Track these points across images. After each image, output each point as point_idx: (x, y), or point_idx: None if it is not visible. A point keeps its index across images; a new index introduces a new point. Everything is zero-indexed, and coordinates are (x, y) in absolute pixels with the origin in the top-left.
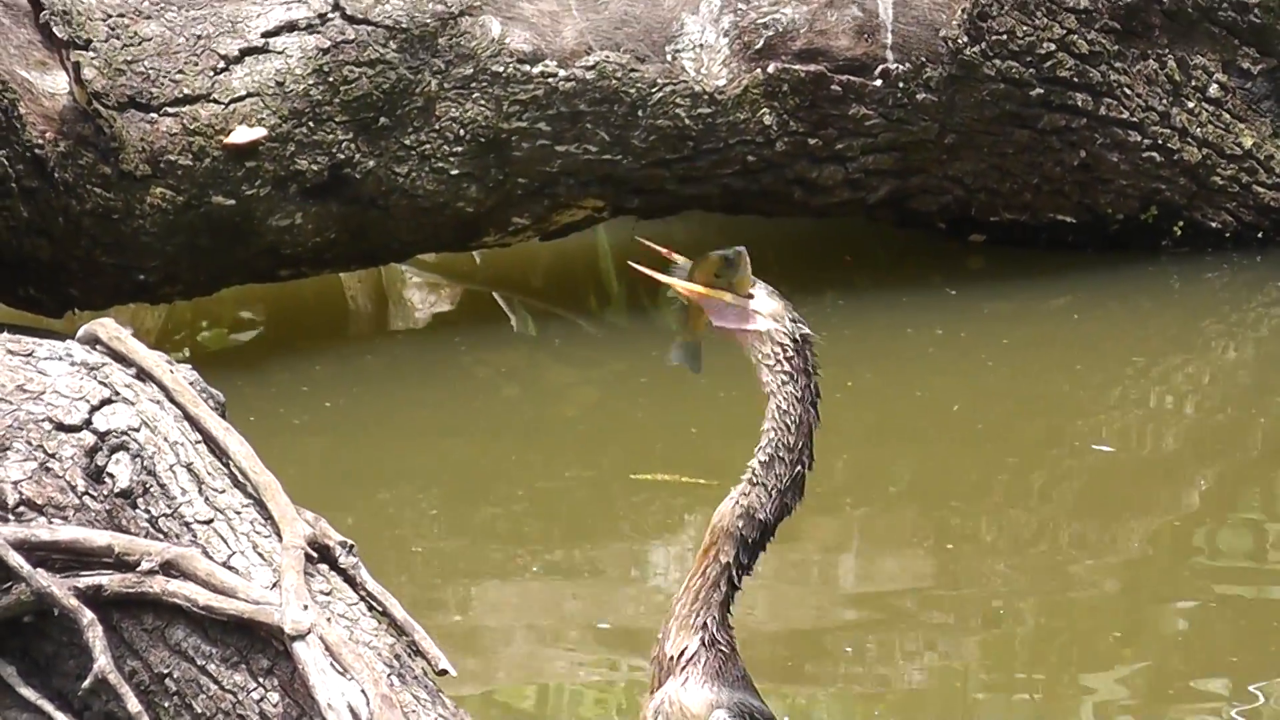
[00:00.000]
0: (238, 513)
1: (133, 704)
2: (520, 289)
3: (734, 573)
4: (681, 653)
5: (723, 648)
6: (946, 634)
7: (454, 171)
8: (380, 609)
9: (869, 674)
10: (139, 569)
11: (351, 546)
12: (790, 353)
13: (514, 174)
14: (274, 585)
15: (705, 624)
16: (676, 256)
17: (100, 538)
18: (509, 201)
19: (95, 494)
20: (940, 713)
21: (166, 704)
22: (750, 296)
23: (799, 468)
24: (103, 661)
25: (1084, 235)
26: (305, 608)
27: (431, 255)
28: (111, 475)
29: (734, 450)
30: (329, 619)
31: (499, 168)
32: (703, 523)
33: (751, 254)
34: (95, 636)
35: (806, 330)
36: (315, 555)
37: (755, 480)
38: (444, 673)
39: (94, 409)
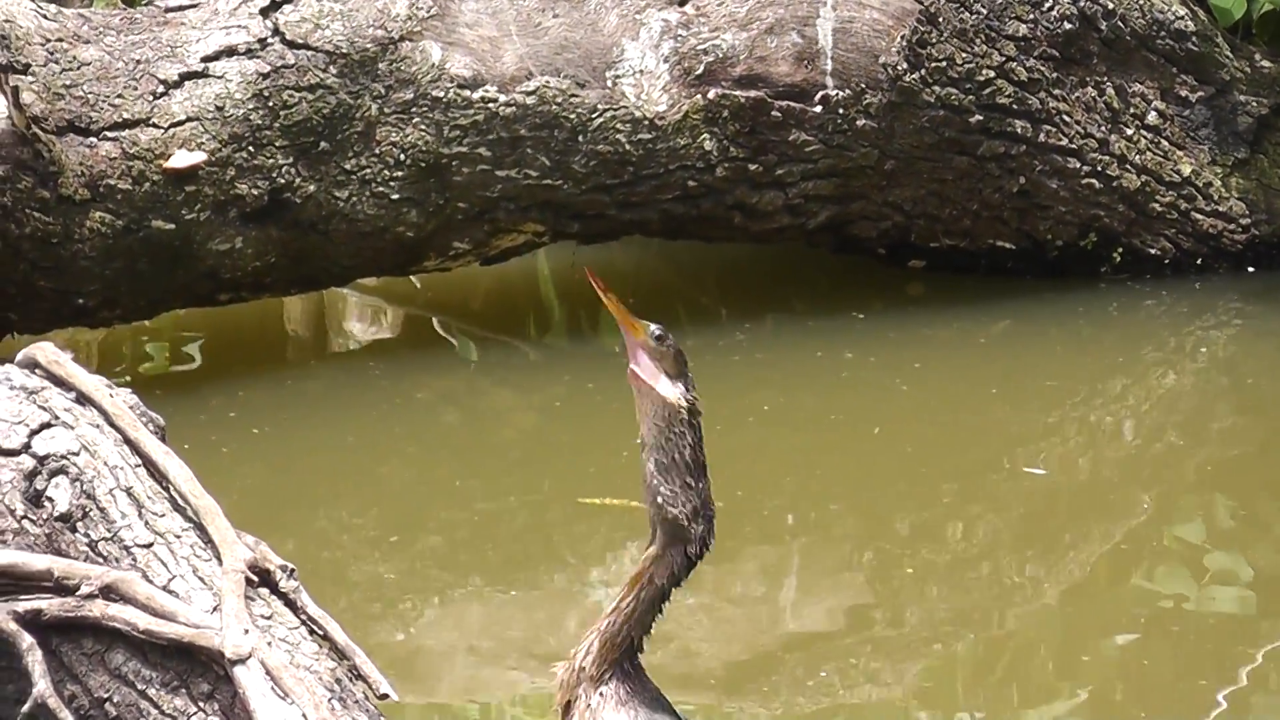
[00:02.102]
0: (178, 536)
1: None
2: (460, 314)
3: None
4: (597, 675)
5: (630, 670)
6: (887, 662)
7: (394, 196)
8: (321, 633)
9: (807, 702)
10: (78, 593)
11: (292, 570)
12: (681, 422)
13: (454, 199)
14: (214, 609)
15: (630, 645)
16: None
17: (39, 561)
18: (449, 226)
19: (34, 518)
20: None
21: None
22: (664, 349)
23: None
24: (42, 686)
25: (1023, 261)
26: (246, 632)
27: (372, 280)
28: (51, 499)
29: None
30: (270, 643)
31: (439, 192)
32: (644, 548)
33: (691, 279)
34: (35, 660)
35: (693, 399)
36: (256, 579)
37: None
38: (385, 697)
39: (33, 433)
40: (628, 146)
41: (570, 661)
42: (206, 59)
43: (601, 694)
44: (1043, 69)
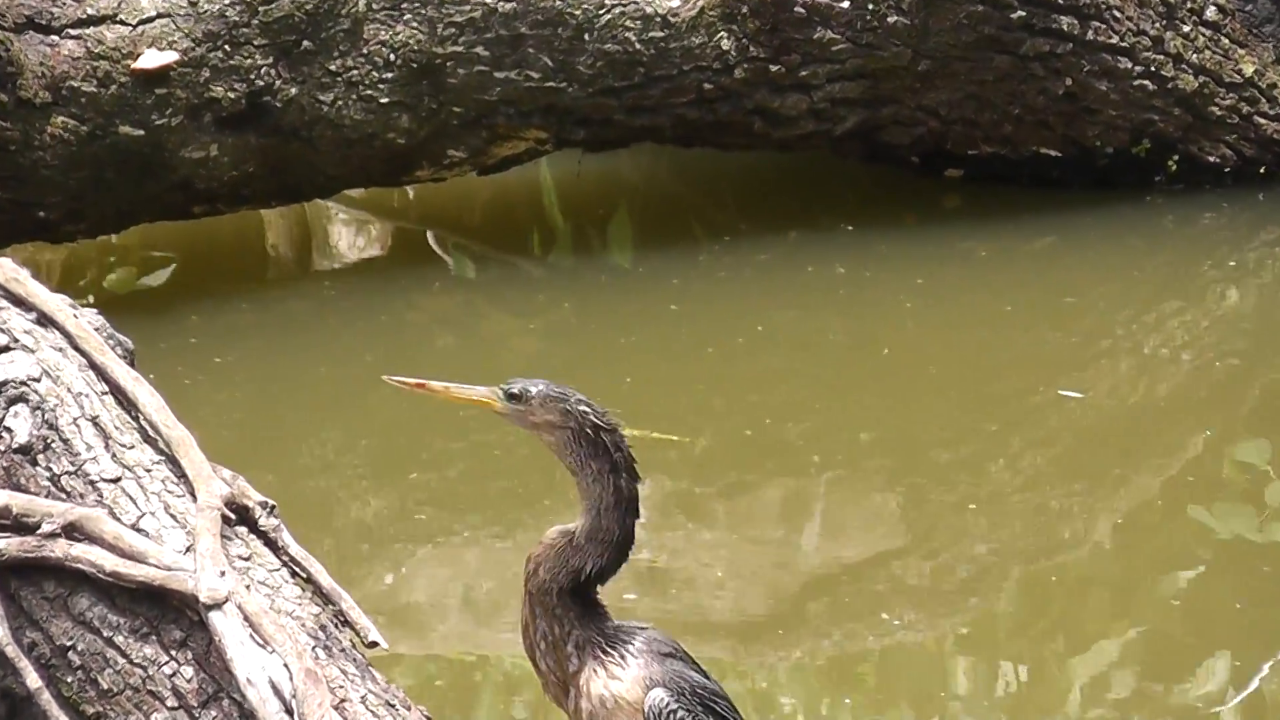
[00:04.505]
0: (148, 470)
1: (32, 679)
2: (456, 228)
3: (566, 604)
4: (573, 669)
5: (605, 632)
6: (922, 607)
7: (384, 100)
8: (304, 575)
9: (833, 650)
10: (39, 532)
11: (273, 507)
12: (577, 442)
13: (449, 103)
14: (188, 549)
15: (589, 636)
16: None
17: None
18: (444, 132)
19: None
20: (916, 680)
21: (70, 679)
22: (528, 405)
23: (628, 521)
24: None
25: (1070, 170)
26: (222, 574)
27: (359, 191)
28: (9, 429)
29: (681, 403)
30: (248, 586)
31: (433, 96)
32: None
33: (706, 192)
34: None
35: (596, 420)
36: (233, 517)
37: (578, 545)
38: (374, 645)
39: None
40: (638, 46)
41: (539, 671)
42: None
43: (595, 673)
44: None
